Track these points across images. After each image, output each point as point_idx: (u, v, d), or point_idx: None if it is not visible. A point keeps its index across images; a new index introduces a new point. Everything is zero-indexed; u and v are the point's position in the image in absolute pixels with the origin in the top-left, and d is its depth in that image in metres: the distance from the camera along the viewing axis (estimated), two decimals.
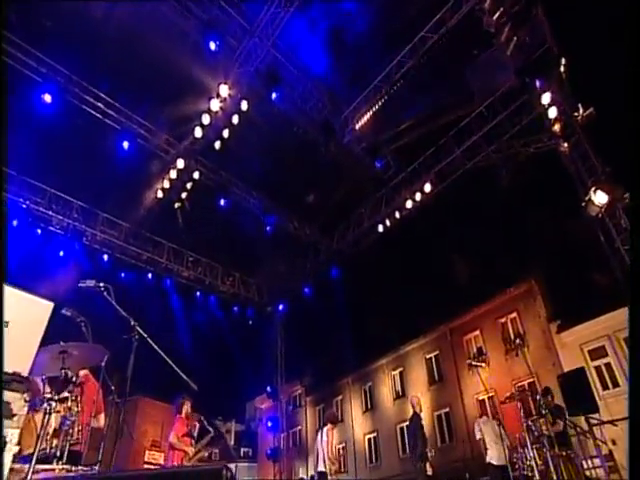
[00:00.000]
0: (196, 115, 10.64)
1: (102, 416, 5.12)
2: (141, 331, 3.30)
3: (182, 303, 15.50)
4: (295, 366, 26.98)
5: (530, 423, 7.07)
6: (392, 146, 14.07)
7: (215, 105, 10.33)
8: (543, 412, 6.81)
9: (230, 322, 16.94)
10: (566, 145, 10.62)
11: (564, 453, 7.44)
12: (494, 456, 7.68)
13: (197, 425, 7.17)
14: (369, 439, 25.61)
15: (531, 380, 18.23)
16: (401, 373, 25.08)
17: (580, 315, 17.95)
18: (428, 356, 23.75)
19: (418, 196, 13.44)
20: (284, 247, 16.49)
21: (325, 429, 7.73)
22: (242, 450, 34.54)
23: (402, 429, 23.70)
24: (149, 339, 3.30)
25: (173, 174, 11.53)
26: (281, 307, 17.44)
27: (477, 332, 21.73)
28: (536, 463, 6.98)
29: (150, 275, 14.33)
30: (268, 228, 14.49)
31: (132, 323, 3.26)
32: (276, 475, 15.29)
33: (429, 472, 7.23)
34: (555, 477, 6.78)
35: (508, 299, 20.84)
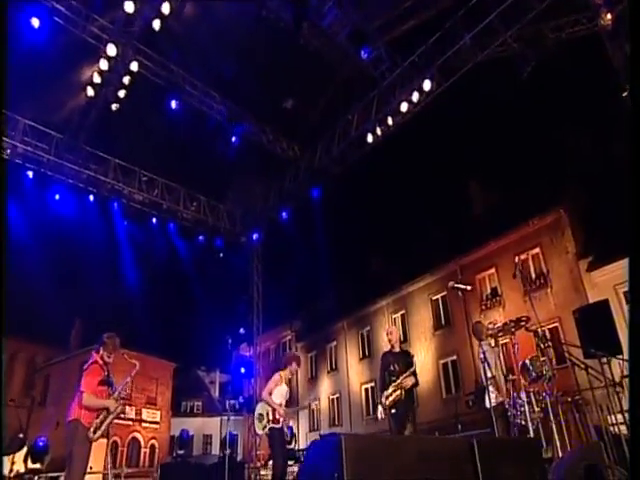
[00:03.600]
0: None
1: None
2: None
3: (134, 231, 14.95)
4: (281, 308, 26.98)
5: (527, 362, 6.45)
6: (386, 37, 12.88)
7: None
8: (542, 346, 6.16)
9: (195, 254, 16.48)
10: (609, 17, 9.24)
11: (569, 399, 6.90)
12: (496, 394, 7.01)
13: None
14: (366, 389, 25.85)
15: (553, 325, 17.96)
16: (403, 316, 24.93)
17: (616, 250, 17.09)
18: (434, 297, 23.45)
19: (415, 96, 12.34)
20: (257, 165, 15.85)
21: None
22: (227, 402, 35.28)
23: None
24: None
25: (104, 65, 10.41)
26: (255, 236, 16.85)
27: (492, 270, 21.25)
28: (533, 410, 6.41)
29: (92, 197, 13.63)
30: (234, 139, 13.62)
31: None
32: (250, 429, 15.24)
33: (380, 415, 6.64)
34: (555, 427, 6.21)
35: (530, 232, 20.17)
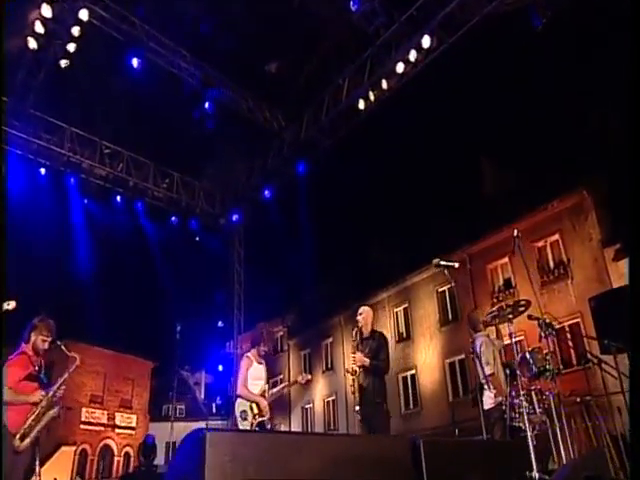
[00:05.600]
0: None
1: None
2: None
3: (95, 211, 14.70)
4: (272, 300, 26.67)
5: (527, 355, 6.00)
6: None
7: None
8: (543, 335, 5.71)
9: (168, 238, 16.17)
10: None
11: (578, 399, 6.46)
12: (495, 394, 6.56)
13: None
14: None
15: (574, 321, 17.63)
16: (406, 310, 24.80)
17: None
18: (440, 289, 23.20)
19: (413, 55, 11.91)
20: (237, 137, 15.64)
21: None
22: (214, 405, 35.27)
23: (405, 379, 23.98)
24: None
25: (46, 11, 9.87)
26: (235, 218, 16.62)
27: (505, 259, 20.91)
28: (534, 411, 5.96)
29: (44, 171, 13.26)
30: (208, 104, 13.26)
31: None
32: None
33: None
34: (560, 433, 5.76)
35: (549, 216, 19.97)
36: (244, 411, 6.13)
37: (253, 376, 6.29)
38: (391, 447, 2.25)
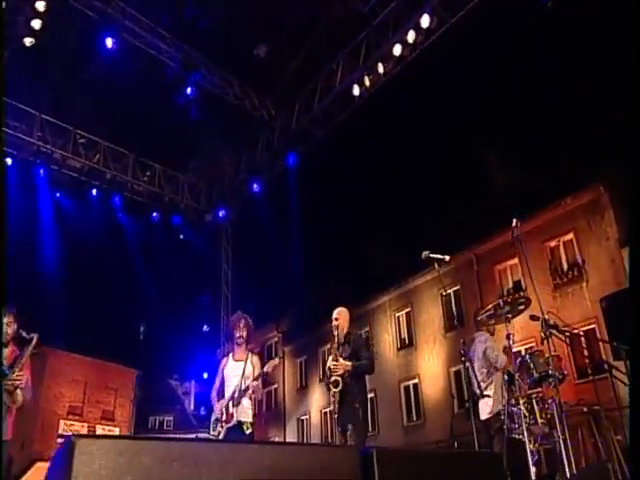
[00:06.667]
0: None
1: None
2: None
3: (68, 205, 14.61)
4: (266, 304, 26.49)
5: (527, 358, 5.75)
6: None
7: None
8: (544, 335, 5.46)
9: (148, 235, 16.04)
10: None
11: (585, 409, 6.21)
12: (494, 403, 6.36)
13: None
14: None
15: (590, 327, 17.43)
16: (408, 314, 24.78)
17: None
18: (445, 292, 22.93)
19: (411, 36, 11.72)
20: (224, 126, 15.69)
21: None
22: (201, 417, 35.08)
23: (407, 388, 23.81)
24: None
25: None
26: (222, 214, 16.58)
27: (514, 260, 20.72)
28: (535, 421, 5.72)
29: (10, 161, 13.03)
30: (190, 90, 13.13)
31: None
32: None
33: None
34: (562, 445, 5.50)
35: (562, 214, 19.87)
36: (217, 420, 5.96)
37: (228, 376, 6.10)
38: (336, 458, 1.96)
